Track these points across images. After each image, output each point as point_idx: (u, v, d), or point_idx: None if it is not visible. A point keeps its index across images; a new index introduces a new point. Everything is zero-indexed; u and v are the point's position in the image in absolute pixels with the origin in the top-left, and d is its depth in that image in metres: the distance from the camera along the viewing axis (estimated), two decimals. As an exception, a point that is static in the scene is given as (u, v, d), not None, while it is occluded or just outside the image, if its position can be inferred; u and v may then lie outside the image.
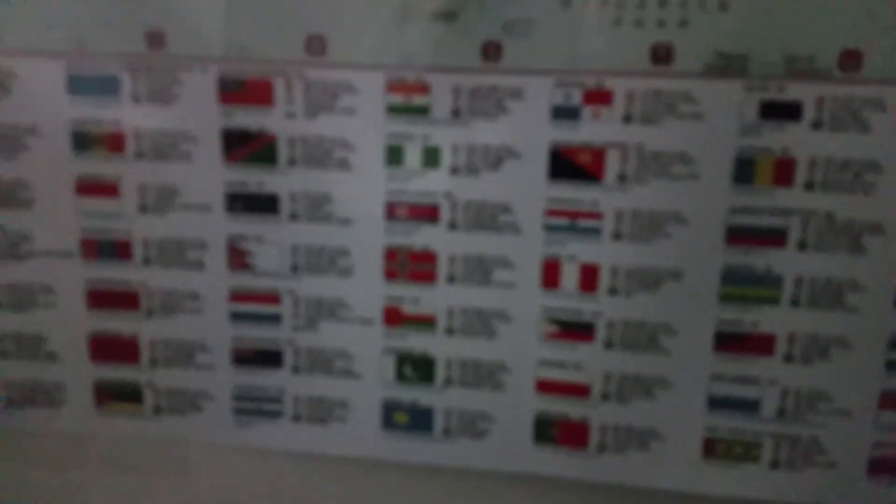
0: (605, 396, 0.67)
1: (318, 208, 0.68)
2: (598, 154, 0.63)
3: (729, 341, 0.64)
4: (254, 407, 0.73)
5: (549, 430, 0.69)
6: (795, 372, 0.64)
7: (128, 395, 0.74)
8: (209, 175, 0.68)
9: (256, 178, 0.68)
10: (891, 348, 0.62)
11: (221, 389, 0.73)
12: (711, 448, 0.67)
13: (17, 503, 0.80)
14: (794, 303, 0.63)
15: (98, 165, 0.69)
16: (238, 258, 0.70)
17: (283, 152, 0.67)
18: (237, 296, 0.71)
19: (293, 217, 0.68)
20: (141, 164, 0.69)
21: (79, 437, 0.76)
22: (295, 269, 0.69)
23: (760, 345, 0.64)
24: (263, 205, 0.68)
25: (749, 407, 0.65)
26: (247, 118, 0.67)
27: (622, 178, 0.63)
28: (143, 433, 0.75)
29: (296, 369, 0.72)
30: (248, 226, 0.69)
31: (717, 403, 0.66)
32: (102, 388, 0.74)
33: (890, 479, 0.65)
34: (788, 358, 0.64)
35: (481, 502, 0.73)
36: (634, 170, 0.62)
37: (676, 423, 0.67)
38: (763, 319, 0.64)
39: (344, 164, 0.66)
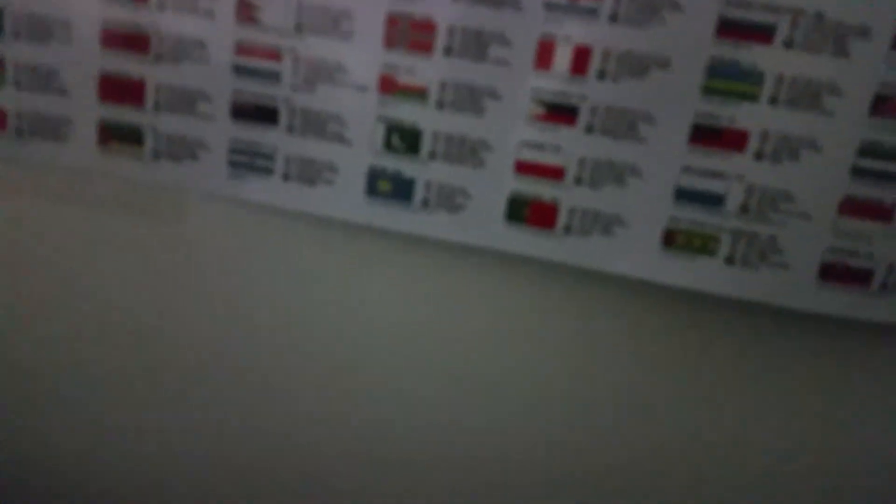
0: (578, 180, 0.69)
1: (327, -33, 0.69)
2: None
3: (704, 134, 0.66)
4: (247, 161, 0.76)
5: (520, 210, 0.71)
6: (763, 170, 0.66)
7: (130, 136, 0.77)
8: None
9: (271, -67, 0.69)
10: (859, 155, 0.64)
11: (218, 140, 0.76)
12: (672, 238, 0.69)
13: (14, 235, 0.84)
14: (773, 101, 0.64)
15: None
16: (246, 10, 0.71)
17: None
18: (242, 48, 0.73)
19: (303, -27, 0.70)
20: None
21: (80, 174, 0.80)
22: (299, 28, 0.71)
23: (734, 140, 0.65)
24: (276, -41, 0.69)
25: (714, 201, 0.67)
26: None
27: (626, -42, 0.64)
28: (141, 176, 0.78)
29: (290, 129, 0.74)
30: (260, -22, 0.70)
31: (683, 195, 0.68)
32: (107, 127, 0.77)
33: (839, 286, 0.67)
34: (759, 155, 0.65)
35: (451, 274, 0.77)
36: (639, -50, 0.63)
37: (642, 212, 0.69)
38: (740, 115, 0.65)
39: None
